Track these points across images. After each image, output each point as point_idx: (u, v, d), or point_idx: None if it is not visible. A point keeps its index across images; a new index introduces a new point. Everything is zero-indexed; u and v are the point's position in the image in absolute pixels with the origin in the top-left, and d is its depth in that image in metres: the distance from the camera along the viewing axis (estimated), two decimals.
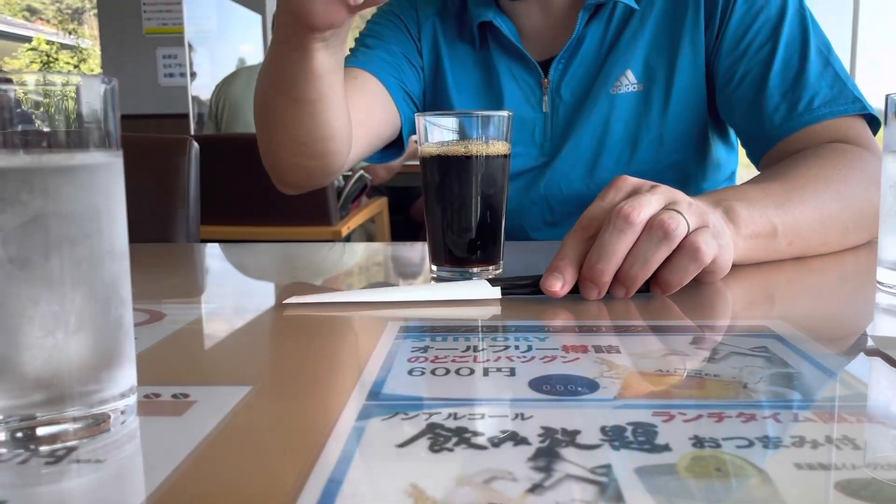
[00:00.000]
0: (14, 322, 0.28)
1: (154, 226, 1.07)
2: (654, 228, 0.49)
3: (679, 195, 0.52)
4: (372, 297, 0.54)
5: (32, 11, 15.10)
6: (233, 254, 0.83)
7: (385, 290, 0.57)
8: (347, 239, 2.37)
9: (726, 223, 0.56)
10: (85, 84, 0.29)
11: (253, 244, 0.84)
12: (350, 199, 2.26)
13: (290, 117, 0.69)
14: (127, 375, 0.32)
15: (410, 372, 0.38)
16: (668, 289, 0.51)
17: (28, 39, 11.78)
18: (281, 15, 0.61)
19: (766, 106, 0.77)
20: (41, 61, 10.81)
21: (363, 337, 0.46)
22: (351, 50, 0.89)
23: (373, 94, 0.85)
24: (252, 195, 2.09)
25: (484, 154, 0.60)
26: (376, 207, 2.48)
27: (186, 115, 4.20)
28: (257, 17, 4.48)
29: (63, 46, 11.90)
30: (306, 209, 2.14)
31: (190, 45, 4.17)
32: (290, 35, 0.61)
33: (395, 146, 0.93)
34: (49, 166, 0.28)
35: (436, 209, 0.61)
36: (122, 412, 0.31)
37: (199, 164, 1.13)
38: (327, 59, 0.63)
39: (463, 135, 0.60)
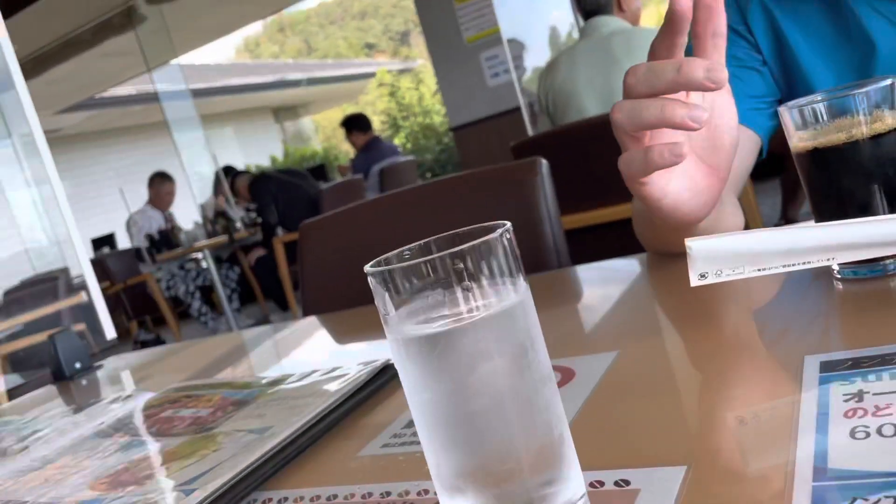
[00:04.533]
0: (486, 453, 0.33)
1: (525, 251, 1.15)
2: None
3: None
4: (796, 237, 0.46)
5: (370, 46, 17.17)
6: (616, 273, 0.85)
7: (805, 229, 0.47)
8: None
9: None
10: (490, 237, 0.33)
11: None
12: None
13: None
14: (575, 483, 0.35)
15: (852, 433, 0.35)
16: None
17: (373, 75, 13.43)
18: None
19: None
20: (388, 93, 12.23)
21: (782, 384, 0.44)
22: None
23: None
24: (592, 179, 2.11)
25: (870, 135, 0.53)
26: None
27: (518, 109, 4.40)
28: None
29: (401, 71, 13.33)
30: None
31: (510, 43, 4.36)
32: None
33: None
34: (481, 321, 0.32)
35: (826, 209, 0.55)
36: None
37: (552, 179, 1.19)
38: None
39: (839, 117, 0.54)
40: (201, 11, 7.01)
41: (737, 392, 0.45)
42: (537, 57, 4.38)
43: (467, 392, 0.32)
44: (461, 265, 0.32)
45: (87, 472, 0.62)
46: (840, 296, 0.55)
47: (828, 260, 0.47)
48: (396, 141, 10.92)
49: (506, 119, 4.48)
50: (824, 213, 0.56)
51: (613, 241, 2.25)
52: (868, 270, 0.55)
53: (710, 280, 0.50)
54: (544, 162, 1.19)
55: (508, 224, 0.34)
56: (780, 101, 0.87)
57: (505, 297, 0.33)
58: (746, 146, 0.84)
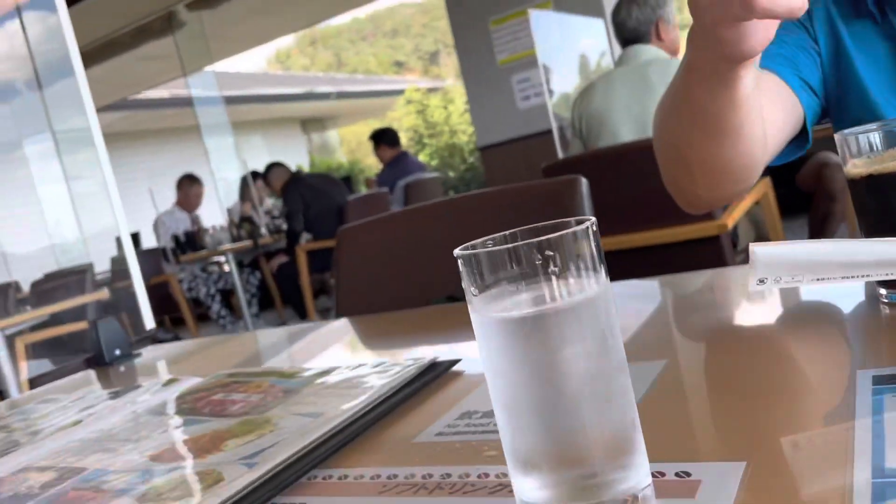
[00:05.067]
0: (563, 437, 0.35)
1: None
2: None
3: None
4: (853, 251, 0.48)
5: (399, 64, 17.35)
6: (673, 288, 0.87)
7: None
8: (734, 231, 2.27)
9: None
10: (578, 229, 0.35)
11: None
12: None
13: (712, 152, 0.69)
14: (642, 469, 0.36)
15: None
16: None
17: (401, 92, 13.55)
18: (701, 51, 0.59)
19: None
20: (417, 110, 12.33)
21: (837, 394, 0.45)
22: None
23: (773, 92, 0.83)
24: (623, 204, 2.13)
25: None
26: (760, 189, 2.33)
27: (549, 132, 4.43)
28: (599, 21, 4.55)
29: (430, 90, 13.45)
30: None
31: (544, 67, 4.40)
32: (715, 67, 0.59)
33: (799, 139, 0.89)
34: (567, 307, 0.34)
35: (878, 233, 0.57)
36: (645, 498, 0.36)
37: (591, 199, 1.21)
38: (751, 79, 0.61)
39: (894, 146, 0.56)
40: (239, 20, 7.14)
41: (791, 399, 0.47)
42: (565, 82, 4.41)
43: (550, 374, 0.34)
44: (550, 253, 0.34)
45: (144, 443, 0.64)
46: (887, 320, 0.56)
47: (886, 274, 0.49)
48: (421, 157, 11.00)
49: (534, 141, 4.52)
50: (875, 236, 0.58)
51: (642, 265, 2.26)
52: None
53: (768, 286, 0.51)
54: (584, 180, 1.21)
55: (593, 218, 0.36)
56: (829, 105, 0.89)
57: (588, 287, 0.35)
58: (788, 106, 0.84)
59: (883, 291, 0.59)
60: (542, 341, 0.34)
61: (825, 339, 0.58)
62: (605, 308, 0.36)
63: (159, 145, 10.14)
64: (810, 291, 0.74)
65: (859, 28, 0.86)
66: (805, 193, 3.43)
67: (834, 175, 3.00)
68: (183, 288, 5.34)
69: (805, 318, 0.64)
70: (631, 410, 0.36)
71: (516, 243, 0.35)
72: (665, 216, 2.17)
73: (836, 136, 0.59)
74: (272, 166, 5.58)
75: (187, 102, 7.57)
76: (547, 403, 0.35)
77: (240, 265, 5.41)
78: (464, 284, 0.37)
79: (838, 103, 0.88)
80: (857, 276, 0.49)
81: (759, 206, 2.44)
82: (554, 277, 0.35)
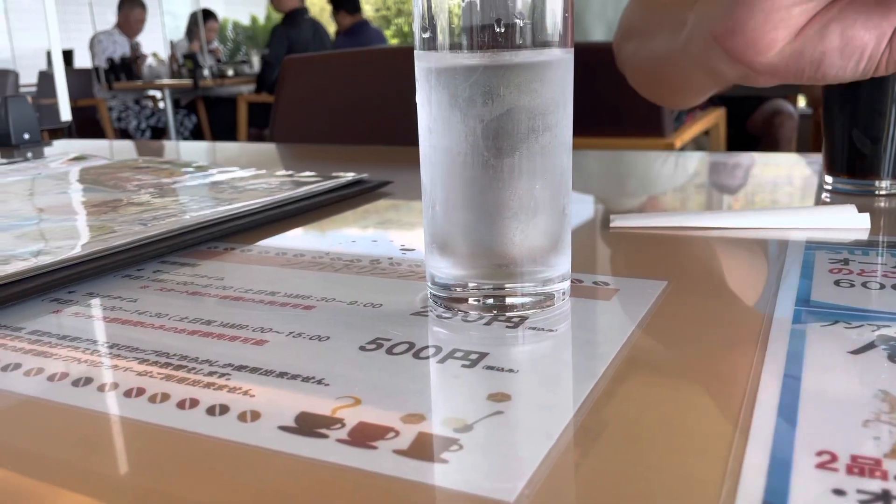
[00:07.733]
0: (489, 206, 0.32)
1: None
2: None
3: None
4: (708, 221, 0.48)
5: None
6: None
7: (723, 214, 0.50)
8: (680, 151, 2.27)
9: None
10: None
11: (582, 151, 0.85)
12: (686, 110, 2.15)
13: (680, 102, 0.70)
14: (565, 261, 0.34)
15: (837, 283, 0.36)
16: None
17: None
18: (710, 60, 0.48)
19: None
20: None
21: (766, 247, 0.44)
22: None
23: None
24: (594, 105, 2.09)
25: None
26: (712, 119, 2.32)
27: None
28: None
29: None
30: (639, 119, 2.09)
31: None
32: (718, 75, 0.49)
33: None
34: (522, 63, 0.31)
35: (838, 110, 0.55)
36: (563, 293, 0.34)
37: None
38: None
39: None
40: None
41: (722, 246, 0.46)
42: None
43: (488, 132, 0.31)
44: (517, 6, 0.31)
45: (38, 199, 0.59)
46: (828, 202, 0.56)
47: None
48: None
49: None
50: (834, 113, 0.56)
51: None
52: (860, 189, 0.56)
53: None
54: None
55: None
56: None
57: (551, 49, 0.32)
58: None
59: (829, 179, 0.58)
60: (491, 91, 0.31)
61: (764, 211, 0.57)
62: (563, 77, 0.32)
63: None
64: (763, 163, 0.73)
65: None
66: (753, 138, 3.47)
67: (784, 123, 3.04)
68: (112, 117, 5.07)
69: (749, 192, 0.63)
70: (566, 197, 0.34)
71: None
72: (615, 124, 2.14)
73: None
74: None
75: None
76: (479, 167, 0.32)
77: (175, 105, 5.16)
78: (414, 27, 0.33)
79: None
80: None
81: (709, 136, 2.44)
82: (517, 33, 0.31)
